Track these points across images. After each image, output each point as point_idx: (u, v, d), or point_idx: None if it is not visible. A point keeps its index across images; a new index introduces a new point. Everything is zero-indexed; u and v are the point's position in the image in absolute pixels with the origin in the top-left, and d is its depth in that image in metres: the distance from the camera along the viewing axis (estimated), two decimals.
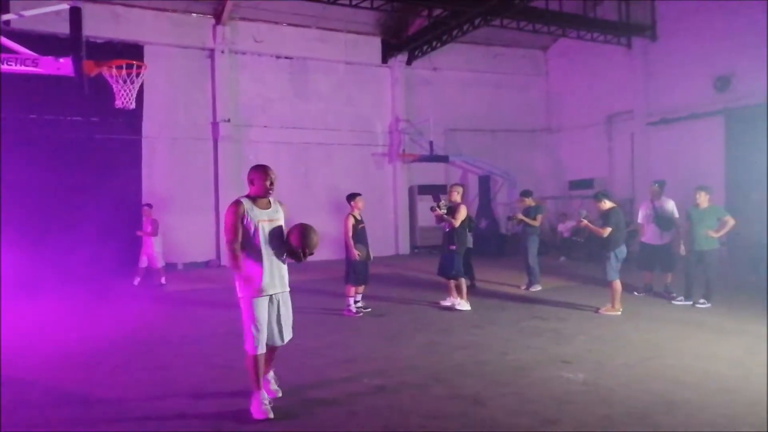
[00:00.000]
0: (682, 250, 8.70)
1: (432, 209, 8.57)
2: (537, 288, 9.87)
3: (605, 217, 8.04)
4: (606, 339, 6.57)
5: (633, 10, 15.43)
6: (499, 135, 18.03)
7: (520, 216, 10.06)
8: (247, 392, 4.54)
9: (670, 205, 9.05)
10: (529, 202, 10.10)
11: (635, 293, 9.25)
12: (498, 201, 17.21)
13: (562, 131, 18.58)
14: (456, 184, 8.95)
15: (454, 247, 8.32)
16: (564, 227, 15.53)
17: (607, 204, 8.13)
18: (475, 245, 16.19)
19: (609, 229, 7.88)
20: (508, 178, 17.00)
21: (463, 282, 8.47)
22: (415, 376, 5.33)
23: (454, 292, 8.42)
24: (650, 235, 9.23)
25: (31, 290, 10.18)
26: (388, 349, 6.37)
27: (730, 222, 8.28)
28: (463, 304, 8.31)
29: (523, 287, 9.99)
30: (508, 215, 10.94)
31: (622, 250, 8.01)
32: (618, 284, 7.96)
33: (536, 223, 9.87)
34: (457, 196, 8.59)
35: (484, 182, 16.79)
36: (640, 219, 9.51)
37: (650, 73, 15.29)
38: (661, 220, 9.04)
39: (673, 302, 8.58)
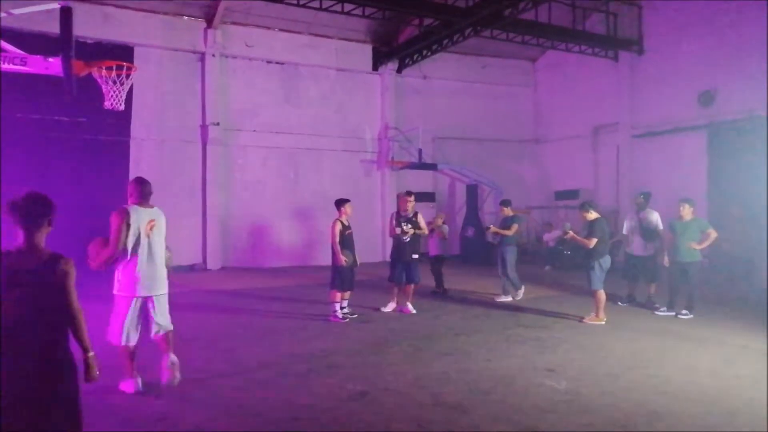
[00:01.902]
0: (666, 261, 8.81)
1: (403, 233, 8.80)
2: (520, 295, 9.89)
3: (590, 228, 8.13)
4: (589, 348, 6.64)
5: (620, 24, 15.66)
6: (487, 144, 18.16)
7: (494, 228, 10.20)
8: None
9: (655, 217, 9.17)
10: (508, 211, 10.17)
11: (619, 303, 9.34)
12: (485, 210, 17.29)
13: (549, 142, 18.75)
14: (409, 192, 9.14)
15: (416, 256, 8.81)
16: (549, 237, 15.64)
17: (592, 214, 8.22)
18: (462, 253, 16.43)
19: (595, 240, 7.97)
20: (495, 187, 17.10)
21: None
22: (398, 383, 5.34)
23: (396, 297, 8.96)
24: (635, 246, 9.33)
25: None
26: (372, 355, 6.38)
27: (713, 234, 8.42)
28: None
29: (503, 298, 9.86)
30: (485, 226, 11.11)
31: (607, 260, 8.10)
32: (602, 294, 8.04)
33: (509, 233, 9.81)
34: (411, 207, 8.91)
35: (472, 191, 16.88)
36: (625, 230, 9.63)
37: (636, 87, 15.51)
38: (646, 231, 9.15)
39: (656, 313, 8.68)
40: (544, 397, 4.95)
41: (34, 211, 2.87)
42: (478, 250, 15.69)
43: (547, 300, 9.99)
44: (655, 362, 6.06)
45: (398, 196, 9.33)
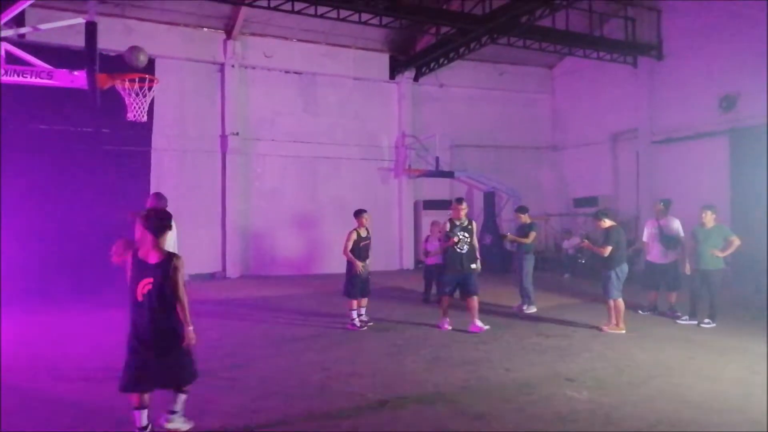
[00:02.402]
0: (687, 269, 8.69)
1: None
2: (532, 309, 9.60)
3: (606, 236, 8.09)
4: (610, 357, 6.58)
5: (639, 29, 15.54)
6: (504, 151, 18.11)
7: (511, 235, 10.05)
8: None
9: (676, 224, 9.06)
10: (525, 218, 9.93)
11: (640, 312, 9.24)
12: (503, 217, 17.23)
13: (567, 148, 18.64)
14: (460, 199, 8.51)
15: (475, 266, 8.32)
16: (569, 244, 15.52)
17: (607, 222, 8.20)
18: (480, 262, 16.30)
19: (609, 248, 7.93)
20: (513, 194, 17.04)
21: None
22: (418, 392, 5.34)
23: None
24: (655, 253, 9.22)
25: (41, 299, 10.24)
26: (391, 364, 6.39)
27: (736, 242, 8.29)
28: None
29: (515, 307, 9.76)
30: (501, 233, 10.95)
31: (624, 269, 8.05)
32: (621, 303, 7.97)
33: (527, 241, 9.63)
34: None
35: (489, 198, 16.83)
36: (645, 237, 9.51)
37: (656, 92, 15.36)
38: (667, 239, 9.04)
39: (678, 321, 8.57)
40: (566, 406, 4.92)
41: (160, 222, 4.19)
42: (496, 258, 15.61)
43: (566, 308, 9.91)
44: (677, 371, 5.99)
45: (450, 205, 8.85)
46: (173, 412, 4.31)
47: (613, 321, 8.03)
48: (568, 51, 15.93)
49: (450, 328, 8.10)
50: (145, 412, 4.16)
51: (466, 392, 5.32)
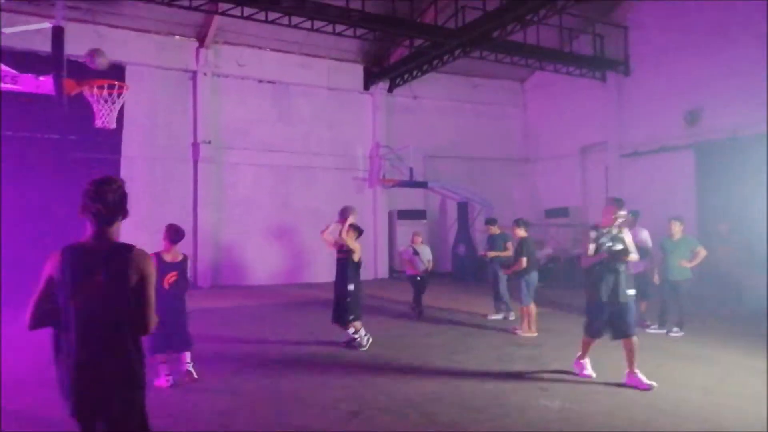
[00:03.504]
0: (656, 279, 8.86)
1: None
2: (512, 316, 9.72)
3: (519, 246, 8.68)
4: None
5: (607, 45, 15.93)
6: (477, 163, 18.29)
7: (492, 253, 10.08)
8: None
9: (644, 235, 9.22)
10: (494, 230, 10.19)
11: None
12: (476, 227, 17.35)
13: (538, 161, 18.92)
14: (618, 200, 6.25)
15: (633, 293, 6.18)
16: (541, 254, 15.68)
17: (521, 232, 8.74)
18: (454, 271, 16.44)
19: (525, 259, 8.50)
20: (485, 204, 17.19)
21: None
22: (390, 403, 5.30)
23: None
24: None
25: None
26: (365, 375, 6.33)
27: (703, 252, 8.50)
28: None
29: (492, 316, 9.85)
30: (481, 253, 10.99)
31: (534, 277, 8.66)
32: (533, 308, 8.51)
33: (509, 254, 9.72)
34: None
35: (463, 208, 16.95)
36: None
37: (623, 107, 15.73)
38: (636, 249, 9.18)
39: (647, 330, 8.69)
40: (538, 415, 4.93)
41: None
42: (469, 267, 15.72)
43: (538, 317, 9.96)
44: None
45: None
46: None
47: (525, 325, 8.52)
48: (539, 65, 16.21)
49: (593, 375, 6.15)
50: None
51: (439, 402, 5.29)
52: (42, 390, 5.18)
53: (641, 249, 9.11)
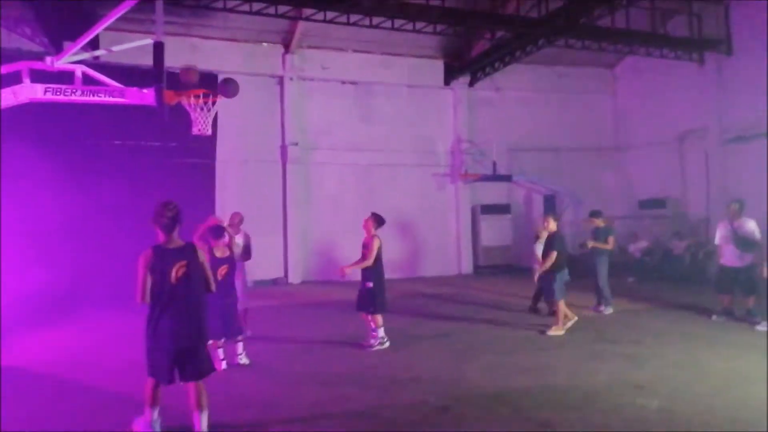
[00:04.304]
0: (765, 272, 8.22)
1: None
2: (609, 311, 9.58)
3: (551, 241, 8.29)
4: (683, 365, 6.30)
5: (705, 24, 14.89)
6: (564, 154, 17.69)
7: (591, 242, 9.76)
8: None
9: (751, 225, 8.58)
10: (599, 222, 9.83)
11: (714, 317, 8.79)
12: (564, 220, 16.80)
13: (630, 149, 18.02)
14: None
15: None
16: (635, 248, 15.00)
17: (552, 226, 8.43)
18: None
19: (555, 253, 8.12)
20: (574, 197, 16.62)
21: None
22: (480, 398, 5.29)
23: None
24: (729, 256, 8.76)
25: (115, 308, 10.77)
26: (452, 369, 6.35)
27: None
28: None
29: (592, 309, 9.71)
30: (579, 243, 10.53)
31: (565, 273, 8.30)
32: (563, 305, 8.20)
33: (609, 247, 9.57)
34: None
35: (549, 202, 16.47)
36: (717, 240, 9.05)
37: (725, 89, 14.63)
38: (741, 241, 8.58)
39: (756, 327, 8.10)
40: (635, 415, 4.75)
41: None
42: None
43: (633, 314, 9.57)
44: (757, 381, 5.66)
45: None
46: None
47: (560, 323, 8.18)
48: (630, 50, 15.43)
49: None
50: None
51: (529, 399, 5.22)
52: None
53: (747, 241, 8.54)
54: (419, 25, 13.25)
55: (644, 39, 14.65)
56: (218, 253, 6.32)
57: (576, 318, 8.40)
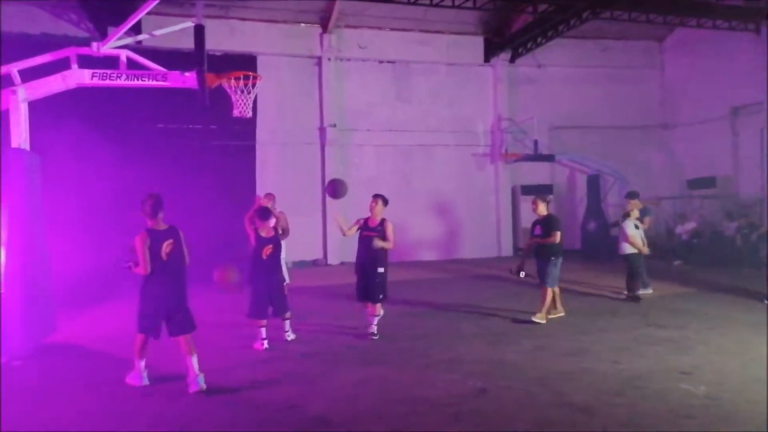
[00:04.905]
0: None
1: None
2: (649, 291, 9.33)
3: (548, 222, 7.74)
4: (731, 351, 6.09)
5: None
6: (608, 132, 17.16)
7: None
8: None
9: None
10: (635, 204, 9.59)
11: (765, 302, 8.45)
12: (608, 202, 16.39)
13: (679, 126, 17.36)
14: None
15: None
16: (683, 229, 14.51)
17: (543, 209, 7.87)
18: (584, 248, 15.71)
19: (558, 234, 7.62)
20: (619, 176, 16.14)
21: None
22: (519, 381, 5.24)
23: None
24: None
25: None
26: (491, 352, 6.31)
27: None
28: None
29: (626, 291, 9.32)
30: (612, 221, 10.28)
31: (560, 259, 7.80)
32: (551, 293, 7.71)
33: (645, 227, 9.38)
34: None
35: (593, 182, 16.05)
36: None
37: None
38: None
39: None
40: (680, 402, 4.62)
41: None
42: (601, 245, 14.87)
43: (679, 298, 9.28)
44: None
45: None
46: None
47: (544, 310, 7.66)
48: (680, 22, 14.78)
49: None
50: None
51: (571, 383, 5.14)
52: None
53: None
54: (458, 1, 12.98)
55: (695, 9, 13.98)
56: (264, 233, 6.55)
57: (563, 314, 7.96)
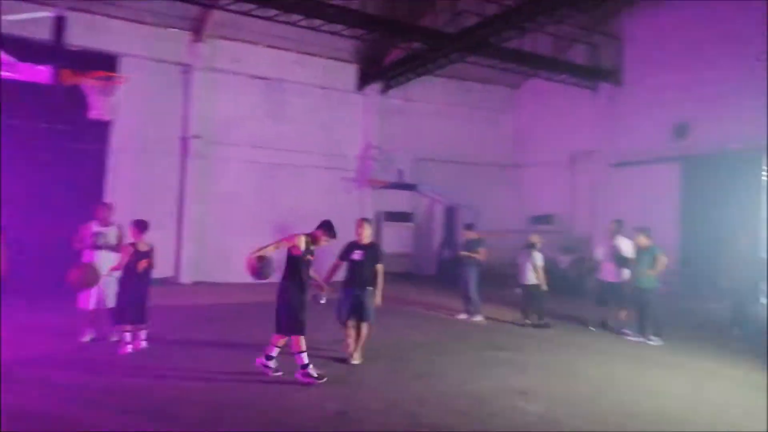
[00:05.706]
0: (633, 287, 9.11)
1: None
2: (479, 318, 10.08)
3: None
4: (562, 372, 6.77)
5: (601, 55, 16.15)
6: (467, 167, 18.36)
7: (464, 253, 10.36)
8: None
9: (626, 244, 9.42)
10: (471, 235, 10.50)
11: (591, 328, 9.53)
12: (460, 232, 17.43)
13: (527, 167, 19.08)
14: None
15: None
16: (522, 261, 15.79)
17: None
18: (438, 274, 16.53)
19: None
20: (472, 209, 17.29)
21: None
22: (376, 403, 5.38)
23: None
24: (607, 272, 9.58)
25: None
26: (348, 375, 6.40)
27: (662, 259, 8.79)
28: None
29: (462, 316, 10.18)
30: (457, 253, 11.27)
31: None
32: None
33: (480, 257, 10.17)
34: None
35: (450, 213, 17.06)
36: (599, 256, 9.88)
37: (614, 116, 15.95)
38: (618, 258, 9.40)
39: (627, 338, 8.88)
40: (519, 419, 5.05)
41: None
42: (453, 271, 15.75)
43: (519, 324, 10.13)
44: (627, 386, 6.22)
45: None
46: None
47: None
48: (533, 72, 16.37)
49: None
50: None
51: (422, 405, 5.38)
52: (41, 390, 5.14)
53: (622, 258, 9.35)
54: (337, 27, 13.26)
55: (546, 63, 15.61)
56: (141, 248, 6.96)
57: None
